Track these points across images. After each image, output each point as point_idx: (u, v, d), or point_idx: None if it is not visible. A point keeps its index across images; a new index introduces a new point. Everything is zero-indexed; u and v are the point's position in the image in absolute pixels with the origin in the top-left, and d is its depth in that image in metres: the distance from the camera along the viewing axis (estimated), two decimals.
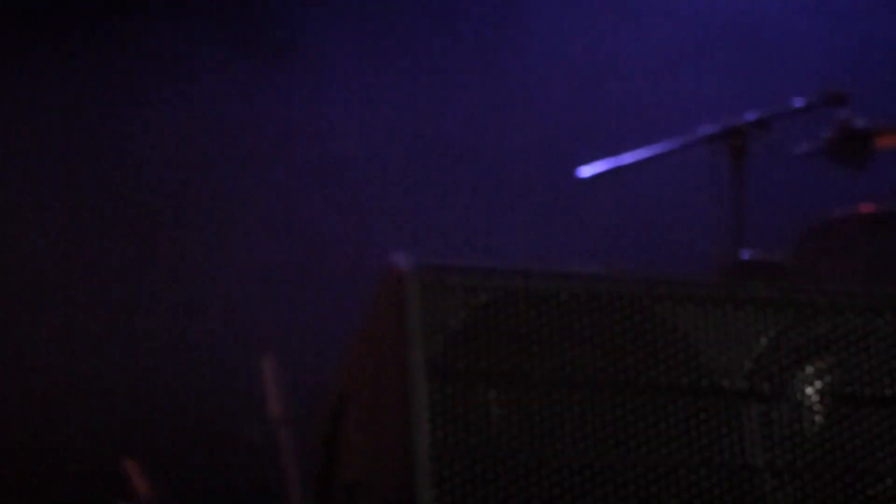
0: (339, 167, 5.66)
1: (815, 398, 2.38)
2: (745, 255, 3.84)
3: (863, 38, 5.68)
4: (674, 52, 5.76)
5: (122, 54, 5.60)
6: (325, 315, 5.23)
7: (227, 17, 5.67)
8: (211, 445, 5.36)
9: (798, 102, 3.90)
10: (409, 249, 2.39)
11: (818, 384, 2.39)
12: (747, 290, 2.45)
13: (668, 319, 2.33)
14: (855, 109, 3.82)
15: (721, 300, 2.40)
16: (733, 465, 2.29)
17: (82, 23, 5.56)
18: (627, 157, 4.04)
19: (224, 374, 5.36)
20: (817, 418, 2.36)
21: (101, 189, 5.57)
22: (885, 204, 3.75)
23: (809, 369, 2.40)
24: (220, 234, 5.60)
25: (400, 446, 2.17)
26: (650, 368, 2.32)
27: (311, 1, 5.71)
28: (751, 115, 3.87)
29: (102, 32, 5.58)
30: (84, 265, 5.51)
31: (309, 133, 5.70)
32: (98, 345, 5.42)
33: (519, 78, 5.80)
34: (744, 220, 3.81)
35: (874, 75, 5.44)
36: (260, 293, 5.50)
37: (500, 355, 2.25)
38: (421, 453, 2.14)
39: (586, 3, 5.76)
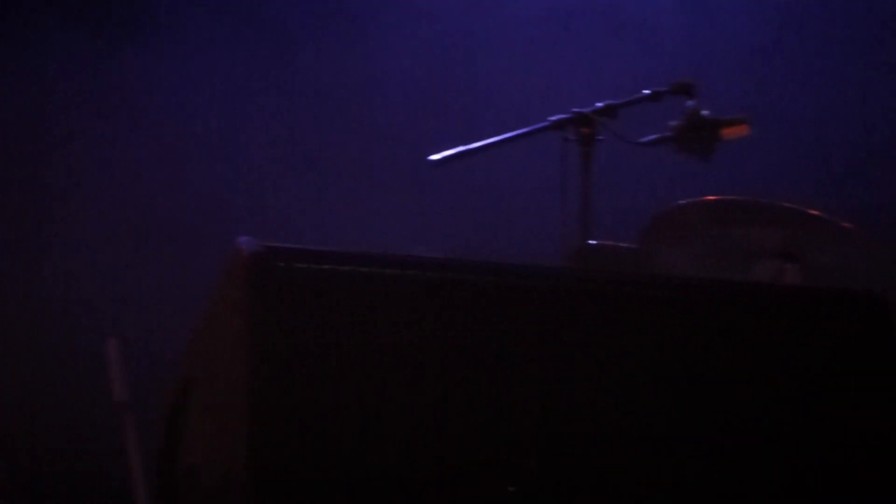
0: (187, 146, 5.60)
1: None
2: (593, 241, 3.87)
3: (712, 29, 5.77)
4: (526, 39, 5.80)
5: None
6: (172, 297, 5.18)
7: None
8: (54, 430, 5.28)
9: (646, 91, 3.95)
10: (255, 232, 2.37)
11: None
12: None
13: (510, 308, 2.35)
14: (702, 100, 3.88)
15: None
16: None
17: None
18: (478, 143, 4.05)
19: (67, 357, 5.27)
20: None
21: None
22: (729, 193, 3.81)
23: None
24: (64, 212, 5.50)
25: (239, 431, 2.16)
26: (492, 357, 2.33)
27: None
28: (599, 103, 3.91)
29: None
30: None
31: (156, 110, 5.63)
32: None
33: (371, 61, 5.78)
34: (591, 207, 3.84)
35: (721, 67, 5.54)
36: (103, 274, 5.42)
37: (343, 341, 2.24)
38: (258, 439, 2.13)
39: None
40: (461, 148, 4.02)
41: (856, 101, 5.75)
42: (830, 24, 5.80)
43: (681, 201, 3.85)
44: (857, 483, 2.51)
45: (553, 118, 3.93)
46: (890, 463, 2.56)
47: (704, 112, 3.86)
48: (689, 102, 3.87)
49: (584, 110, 3.90)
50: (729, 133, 3.86)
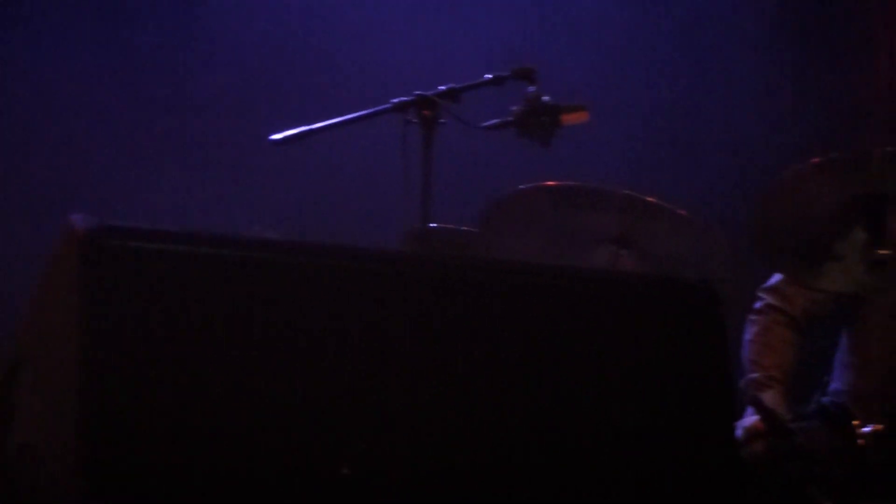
0: (18, 123, 5.49)
1: None
2: (433, 224, 3.89)
3: (556, 15, 5.83)
4: (369, 20, 5.79)
5: None
6: (7, 274, 5.07)
7: None
8: None
9: (488, 76, 3.98)
10: (91, 209, 2.33)
11: None
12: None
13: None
14: (543, 86, 3.92)
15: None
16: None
17: None
18: (319, 124, 4.03)
19: None
20: None
21: None
22: (568, 179, 3.85)
23: None
24: None
25: (71, 410, 2.13)
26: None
27: None
28: (442, 87, 3.93)
29: None
30: None
31: None
32: None
33: (210, 41, 5.73)
34: (432, 190, 3.85)
35: (562, 54, 5.59)
36: None
37: (175, 320, 2.22)
38: (91, 417, 2.10)
39: None
40: (302, 128, 4.01)
41: (691, 90, 5.86)
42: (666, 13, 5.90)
43: (521, 186, 3.89)
44: (685, 469, 2.56)
45: (395, 100, 3.94)
46: (718, 447, 2.62)
47: (545, 98, 3.90)
48: (530, 88, 3.91)
49: (427, 93, 3.91)
50: (568, 119, 3.91)
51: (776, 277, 4.12)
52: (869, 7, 5.88)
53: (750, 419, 3.83)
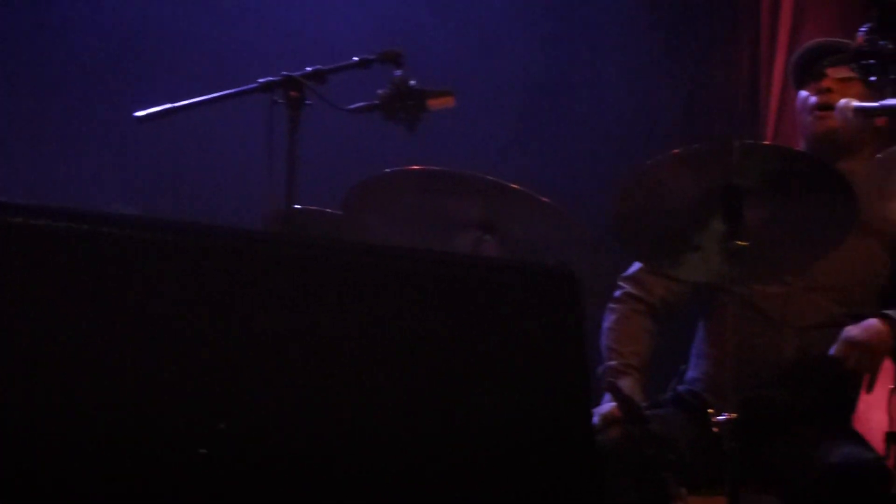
0: None
1: None
2: (297, 205, 3.88)
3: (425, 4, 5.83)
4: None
5: None
6: None
7: None
8: None
9: (355, 59, 3.97)
10: None
11: None
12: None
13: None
14: (410, 71, 3.92)
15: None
16: None
17: None
18: (185, 101, 4.00)
19: None
20: None
21: None
22: (434, 164, 3.86)
23: None
24: None
25: None
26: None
27: None
28: (309, 68, 3.92)
29: None
30: None
31: None
32: None
33: (79, 14, 5.64)
34: (297, 172, 3.84)
35: (427, 37, 5.60)
36: None
37: (30, 296, 2.19)
38: None
39: None
40: (167, 105, 3.97)
41: (559, 78, 5.90)
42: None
43: (386, 170, 3.89)
44: (541, 455, 2.58)
45: (261, 80, 3.92)
46: (574, 433, 2.64)
47: (412, 82, 3.91)
48: (397, 72, 3.92)
49: (293, 74, 3.90)
50: (435, 104, 3.92)
51: (636, 266, 4.18)
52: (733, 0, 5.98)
53: (607, 406, 3.88)
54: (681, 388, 4.14)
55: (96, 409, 2.22)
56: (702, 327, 4.19)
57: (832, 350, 3.81)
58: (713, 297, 4.12)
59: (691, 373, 4.15)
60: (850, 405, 4.05)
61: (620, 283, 4.18)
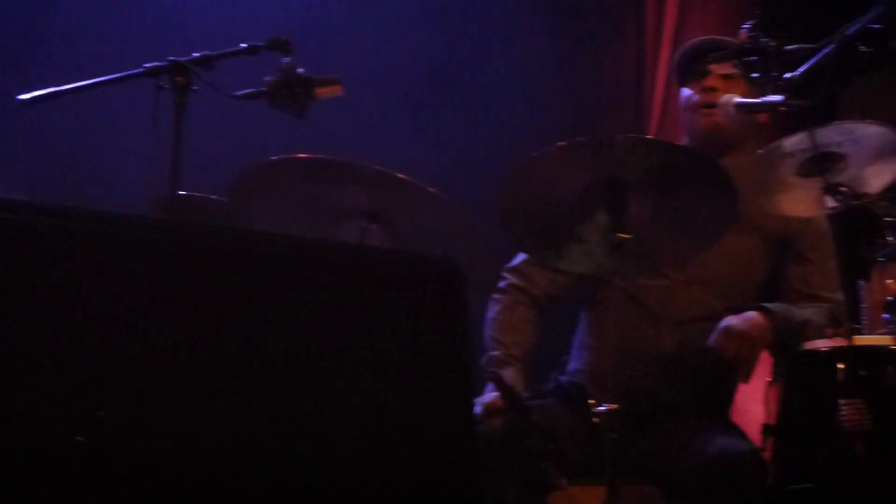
0: None
1: None
2: (182, 192, 3.85)
3: None
4: None
5: None
6: None
7: None
8: None
9: (243, 45, 3.95)
10: None
11: None
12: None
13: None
14: (298, 59, 3.91)
15: None
16: None
17: None
18: (69, 85, 3.95)
19: None
20: None
21: None
22: (321, 152, 3.85)
23: None
24: None
25: None
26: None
27: None
28: (195, 53, 3.89)
29: None
30: None
31: None
32: None
33: None
34: (182, 158, 3.81)
35: (323, 25, 5.58)
36: None
37: None
38: None
39: None
40: (51, 89, 3.92)
41: (452, 69, 5.91)
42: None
43: (272, 157, 3.87)
44: (424, 444, 2.59)
45: (148, 65, 3.89)
46: (456, 422, 2.66)
47: (300, 70, 3.90)
48: (285, 59, 3.90)
49: (180, 59, 3.87)
50: (322, 92, 3.91)
51: (520, 258, 4.21)
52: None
53: (489, 395, 3.90)
54: (563, 378, 4.18)
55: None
56: (584, 319, 4.24)
57: (711, 339, 3.87)
58: (596, 289, 4.16)
59: (573, 364, 4.19)
60: (727, 397, 4.13)
61: (504, 275, 4.21)
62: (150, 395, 2.34)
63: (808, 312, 3.96)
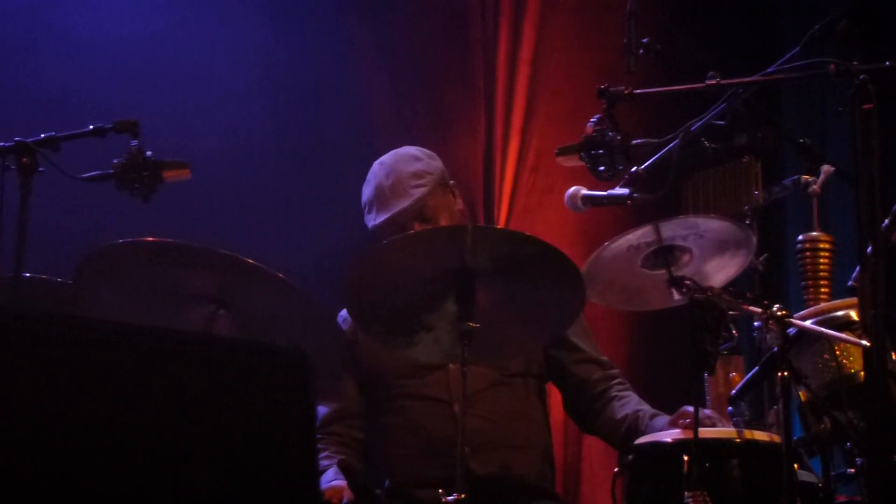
0: None
1: None
2: (26, 274, 3.79)
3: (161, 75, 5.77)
4: None
5: None
6: None
7: None
8: None
9: (90, 127, 3.92)
10: None
11: None
12: None
13: None
14: (145, 141, 3.89)
15: None
16: None
17: None
18: None
19: None
20: None
21: None
22: (168, 236, 3.81)
23: None
24: None
25: None
26: None
27: None
28: (42, 134, 3.85)
29: None
30: None
31: None
32: None
33: None
34: (27, 239, 3.76)
35: (166, 112, 5.54)
36: None
37: None
38: None
39: None
40: None
41: (306, 155, 5.91)
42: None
43: (119, 240, 3.83)
44: None
45: None
46: None
47: (148, 153, 3.88)
48: (133, 142, 3.88)
49: (26, 140, 3.82)
50: (170, 175, 3.89)
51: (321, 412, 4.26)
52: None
53: (334, 482, 3.91)
54: (387, 485, 4.20)
55: None
56: (379, 430, 4.26)
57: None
58: (379, 398, 4.22)
59: (388, 473, 4.21)
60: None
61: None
62: None
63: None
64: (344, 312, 4.15)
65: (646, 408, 4.15)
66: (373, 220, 4.23)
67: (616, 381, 4.30)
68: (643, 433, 3.99)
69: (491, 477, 4.04)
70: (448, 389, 4.12)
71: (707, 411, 3.84)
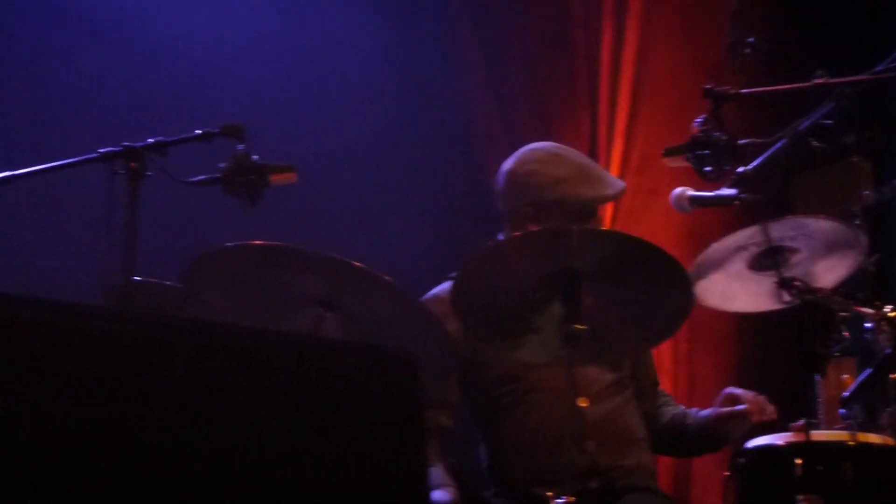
0: None
1: None
2: (136, 278, 3.83)
3: (273, 76, 5.83)
4: (82, 68, 5.67)
5: None
6: None
7: None
8: None
9: (197, 132, 3.96)
10: None
11: None
12: None
13: None
14: (252, 145, 3.92)
15: None
16: None
17: None
18: (22, 170, 3.94)
19: None
20: None
21: None
22: (276, 239, 3.84)
23: None
24: None
25: None
26: None
27: None
28: (150, 139, 3.90)
29: None
30: None
31: None
32: None
33: None
34: (136, 243, 3.80)
35: (272, 115, 5.59)
36: None
37: None
38: None
39: None
40: (4, 173, 3.91)
41: (409, 163, 5.93)
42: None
43: (227, 243, 3.86)
44: None
45: (102, 150, 3.89)
46: None
47: (254, 157, 3.91)
48: (240, 146, 3.91)
49: (134, 145, 3.87)
50: (277, 179, 3.92)
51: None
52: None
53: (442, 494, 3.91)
54: (496, 486, 4.19)
55: None
56: (496, 424, 4.23)
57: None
58: (499, 394, 4.20)
59: (499, 470, 4.20)
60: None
61: None
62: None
63: None
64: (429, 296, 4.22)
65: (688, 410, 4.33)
66: (587, 191, 4.14)
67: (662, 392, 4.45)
68: (690, 426, 4.21)
69: (613, 468, 4.06)
70: (571, 384, 4.08)
71: (747, 392, 4.03)
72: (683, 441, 4.27)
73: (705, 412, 4.18)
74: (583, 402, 4.08)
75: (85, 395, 2.32)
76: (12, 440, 2.23)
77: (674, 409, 4.36)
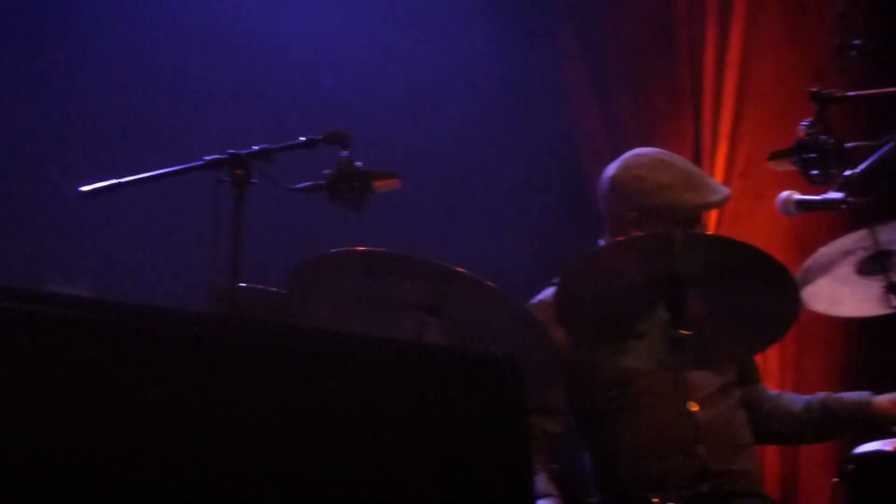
0: None
1: None
2: (242, 284, 3.87)
3: (370, 82, 5.85)
4: (185, 76, 5.74)
5: None
6: None
7: None
8: None
9: (301, 139, 3.99)
10: None
11: None
12: None
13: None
14: (355, 152, 3.94)
15: None
16: None
17: None
18: (130, 177, 3.99)
19: None
20: None
21: None
22: (379, 245, 3.86)
23: None
24: None
25: None
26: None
27: None
28: (255, 147, 3.93)
29: None
30: None
31: None
32: None
33: (17, 88, 5.61)
34: (242, 250, 3.84)
35: (372, 121, 5.61)
36: None
37: None
38: None
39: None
40: (112, 181, 3.96)
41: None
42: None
43: (331, 250, 3.88)
44: None
45: (207, 158, 3.93)
46: None
47: (358, 163, 3.93)
48: (343, 153, 3.93)
49: (239, 152, 3.91)
50: (380, 186, 3.94)
51: None
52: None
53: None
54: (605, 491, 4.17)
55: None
56: (602, 428, 4.20)
57: None
58: (606, 397, 4.17)
59: (605, 475, 4.17)
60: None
61: None
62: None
63: None
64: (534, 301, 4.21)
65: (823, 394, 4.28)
66: (693, 198, 4.09)
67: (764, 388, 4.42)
68: (835, 410, 4.18)
69: (723, 473, 4.02)
70: (681, 388, 4.05)
71: None
72: (825, 426, 4.20)
73: (851, 395, 4.16)
74: (693, 407, 4.05)
75: (171, 404, 2.34)
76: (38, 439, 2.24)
77: (791, 398, 4.33)
